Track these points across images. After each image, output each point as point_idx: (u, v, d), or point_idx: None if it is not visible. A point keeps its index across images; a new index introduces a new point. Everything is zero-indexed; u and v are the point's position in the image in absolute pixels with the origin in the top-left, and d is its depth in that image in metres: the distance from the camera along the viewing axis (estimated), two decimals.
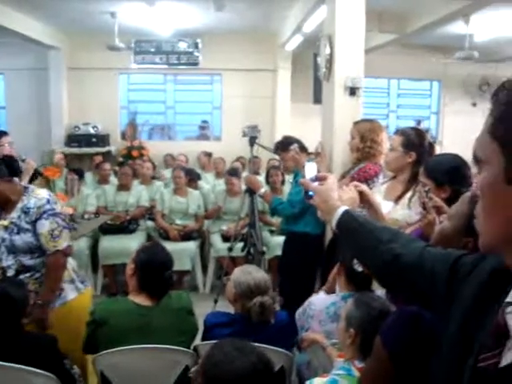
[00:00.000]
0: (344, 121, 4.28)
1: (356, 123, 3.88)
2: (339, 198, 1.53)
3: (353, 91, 4.42)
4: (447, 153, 3.19)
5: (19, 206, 2.95)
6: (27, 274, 2.93)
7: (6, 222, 2.93)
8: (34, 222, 2.92)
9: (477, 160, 0.88)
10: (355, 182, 1.84)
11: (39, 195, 2.99)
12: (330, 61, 4.55)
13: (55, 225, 2.96)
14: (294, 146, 4.18)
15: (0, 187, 2.90)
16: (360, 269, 2.67)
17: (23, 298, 2.58)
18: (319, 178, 1.63)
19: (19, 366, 2.30)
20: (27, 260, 2.93)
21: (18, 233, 2.91)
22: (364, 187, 1.79)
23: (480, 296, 0.96)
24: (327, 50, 4.56)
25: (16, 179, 2.98)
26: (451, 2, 5.90)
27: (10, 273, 2.90)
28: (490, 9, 6.44)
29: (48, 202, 2.98)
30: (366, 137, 3.73)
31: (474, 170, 2.28)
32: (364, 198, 1.74)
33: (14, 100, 9.91)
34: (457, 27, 7.46)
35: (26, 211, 2.92)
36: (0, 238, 2.92)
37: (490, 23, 7.70)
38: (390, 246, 1.30)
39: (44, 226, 2.93)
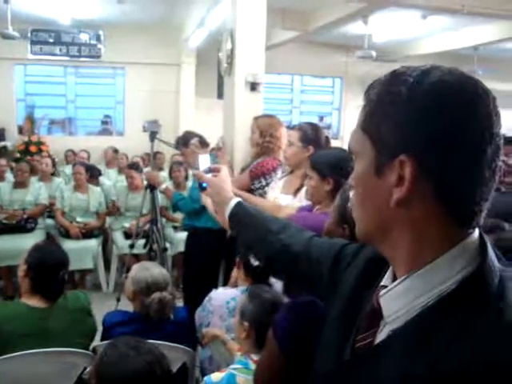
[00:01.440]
0: (245, 116, 4.32)
1: (256, 118, 3.91)
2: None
3: (253, 87, 4.47)
4: (334, 147, 3.29)
5: None
6: None
7: None
8: None
9: (351, 153, 0.92)
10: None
11: None
12: (231, 56, 4.57)
13: None
14: (194, 141, 4.16)
15: None
16: (256, 262, 2.71)
17: None
18: (213, 170, 1.63)
19: None
20: None
21: None
22: None
23: (358, 283, 1.01)
24: (229, 45, 4.58)
25: None
26: (351, 2, 6.09)
27: None
28: (388, 11, 6.73)
29: None
30: (265, 132, 3.77)
31: None
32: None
33: None
34: (357, 27, 7.74)
35: None
36: None
37: (388, 24, 8.04)
38: (279, 237, 1.33)
39: None
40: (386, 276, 0.91)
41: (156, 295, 2.51)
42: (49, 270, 2.49)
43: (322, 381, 0.99)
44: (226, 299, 2.74)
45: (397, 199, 0.80)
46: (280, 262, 1.35)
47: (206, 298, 2.88)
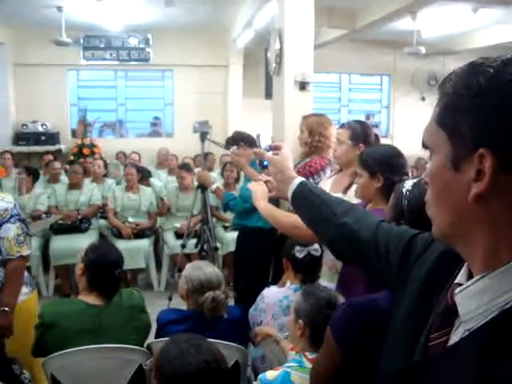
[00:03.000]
0: (294, 115, 4.30)
1: (305, 117, 3.90)
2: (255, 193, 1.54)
3: (302, 86, 4.46)
4: (383, 144, 3.24)
5: None
6: None
7: None
8: None
9: (426, 148, 0.90)
10: (262, 177, 1.93)
11: (5, 198, 2.93)
12: (279, 56, 4.57)
13: (21, 230, 2.91)
14: (233, 149, 4.18)
15: None
16: (301, 255, 2.71)
17: None
18: (274, 148, 1.63)
19: None
20: None
21: None
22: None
23: (429, 278, 0.98)
24: (277, 45, 4.58)
25: None
26: None
27: None
28: (437, 5, 6.59)
29: (15, 206, 2.94)
30: (314, 131, 3.76)
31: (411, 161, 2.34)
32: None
33: None
34: (405, 23, 7.61)
35: None
36: None
37: (437, 19, 7.88)
38: (344, 220, 1.30)
39: (10, 230, 2.87)
40: (460, 273, 0.89)
41: (209, 294, 2.53)
42: (105, 269, 2.55)
43: (392, 380, 0.96)
44: (278, 298, 2.75)
45: (475, 194, 0.78)
46: (344, 246, 1.32)
47: (259, 297, 2.90)
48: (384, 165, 2.32)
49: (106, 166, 7.31)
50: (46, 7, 7.23)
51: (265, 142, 1.65)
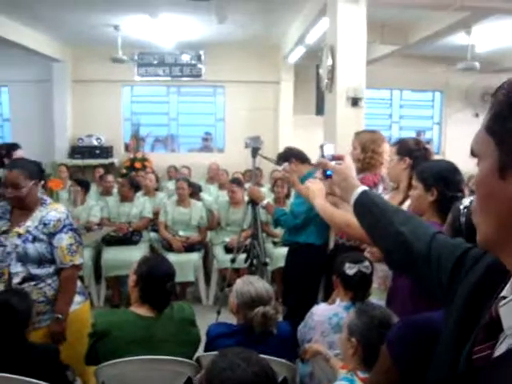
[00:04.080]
0: (346, 131, 4.29)
1: (358, 134, 3.87)
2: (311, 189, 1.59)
3: (355, 102, 4.44)
4: (440, 159, 3.21)
5: (36, 215, 2.97)
6: (32, 283, 2.92)
7: (21, 230, 2.93)
8: (51, 235, 2.95)
9: (474, 156, 0.89)
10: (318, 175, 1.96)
11: (58, 209, 3.04)
12: (332, 72, 4.57)
13: (73, 240, 3.01)
14: (285, 165, 4.19)
15: (36, 191, 2.98)
16: (351, 272, 2.68)
17: (26, 309, 2.58)
18: (337, 158, 1.68)
19: (22, 377, 2.30)
20: (35, 269, 2.93)
21: (32, 242, 2.92)
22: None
23: (476, 291, 0.97)
24: (329, 61, 4.58)
25: (38, 186, 3.01)
26: (452, 13, 5.92)
27: (16, 280, 2.90)
28: (491, 20, 6.46)
29: (67, 216, 3.03)
30: (367, 147, 3.72)
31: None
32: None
33: (18, 112, 9.99)
34: (458, 38, 7.49)
35: (45, 223, 2.95)
36: (13, 244, 2.91)
37: (492, 34, 7.72)
38: (400, 229, 1.32)
39: (63, 239, 2.96)
40: (507, 286, 0.87)
41: (260, 309, 2.53)
42: (157, 282, 2.58)
43: None
44: (328, 315, 2.73)
45: None
46: (399, 256, 1.34)
47: (308, 314, 2.88)
48: (440, 179, 2.32)
49: (157, 179, 7.44)
50: (104, 26, 7.48)
51: (327, 153, 1.70)
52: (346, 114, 4.46)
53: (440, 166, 2.45)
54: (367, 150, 3.72)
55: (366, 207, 1.48)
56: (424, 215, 2.39)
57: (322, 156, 1.73)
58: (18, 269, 2.91)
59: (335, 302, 2.88)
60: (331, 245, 4.22)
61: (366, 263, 2.73)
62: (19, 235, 2.92)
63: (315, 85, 9.24)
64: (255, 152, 4.44)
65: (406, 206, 2.98)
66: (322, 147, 1.76)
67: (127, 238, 5.98)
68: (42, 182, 3.09)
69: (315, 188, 2.44)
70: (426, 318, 1.46)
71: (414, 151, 3.06)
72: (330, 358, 2.50)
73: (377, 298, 2.73)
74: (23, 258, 2.91)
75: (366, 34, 4.61)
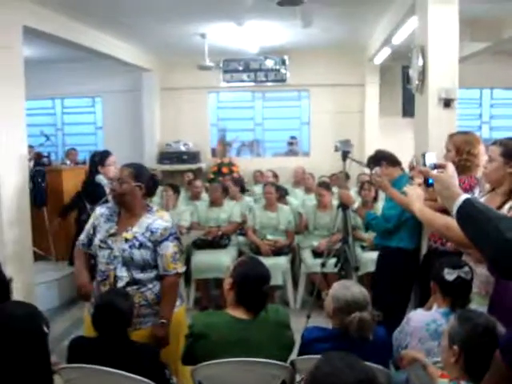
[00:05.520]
0: (439, 133, 4.18)
1: (451, 136, 3.77)
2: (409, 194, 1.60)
3: (447, 103, 4.32)
4: None
5: (142, 221, 3.09)
6: (135, 287, 3.04)
7: (129, 235, 3.06)
8: (157, 242, 3.06)
9: None
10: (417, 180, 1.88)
11: (164, 217, 3.15)
12: (422, 72, 4.46)
13: (177, 248, 3.11)
14: (376, 170, 4.14)
15: (139, 195, 3.10)
16: (451, 278, 2.61)
17: (129, 309, 2.70)
18: (438, 166, 1.70)
19: (124, 372, 2.41)
20: (138, 274, 3.05)
21: (138, 248, 3.03)
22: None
23: None
24: (420, 62, 4.48)
25: (142, 192, 3.14)
26: None
27: (121, 283, 3.03)
28: None
29: (172, 225, 3.15)
30: (462, 149, 3.62)
31: None
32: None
33: (110, 120, 10.47)
34: None
35: (152, 230, 3.06)
36: (120, 248, 3.05)
37: None
38: (505, 236, 1.31)
39: (168, 248, 3.07)
40: None
41: (356, 315, 2.51)
42: (253, 284, 2.60)
43: None
44: (425, 321, 2.67)
45: None
46: (507, 263, 1.32)
47: (404, 320, 2.83)
48: None
49: (242, 184, 7.55)
50: (191, 35, 7.68)
51: (429, 161, 1.72)
52: (437, 116, 4.34)
53: None
54: (462, 152, 3.62)
55: (470, 215, 1.47)
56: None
57: (424, 164, 1.74)
58: (123, 273, 3.04)
59: (432, 308, 2.82)
60: (424, 250, 4.13)
61: (466, 268, 2.65)
62: (126, 240, 3.05)
63: (401, 86, 9.07)
64: (345, 155, 4.42)
65: (505, 209, 2.87)
66: (423, 156, 1.77)
67: (216, 242, 6.11)
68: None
69: (414, 193, 2.45)
70: None
71: None
72: (428, 366, 2.44)
73: (477, 304, 2.65)
74: (128, 263, 3.03)
75: (458, 32, 4.48)
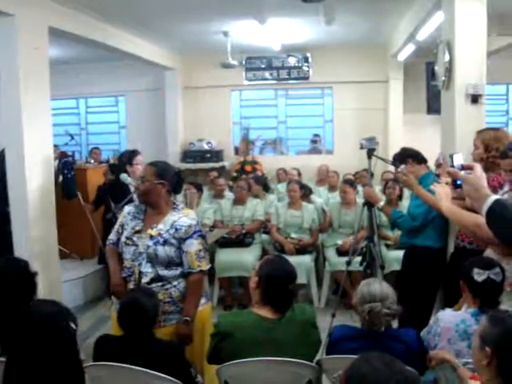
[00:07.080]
0: (466, 130, 4.11)
1: (480, 132, 3.71)
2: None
3: (475, 99, 4.24)
4: None
5: (168, 219, 3.11)
6: (159, 284, 3.05)
7: (153, 232, 3.08)
8: (181, 239, 3.07)
9: None
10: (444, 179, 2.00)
11: (189, 215, 3.17)
12: (449, 68, 4.39)
13: (202, 246, 3.13)
14: (402, 168, 4.10)
15: (163, 193, 3.11)
16: (480, 279, 2.56)
17: (154, 307, 2.71)
18: (466, 168, 1.70)
19: (147, 370, 2.42)
20: (163, 271, 3.07)
21: (162, 244, 3.05)
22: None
23: None
24: (446, 57, 4.41)
25: (165, 189, 3.15)
26: None
27: (145, 280, 3.05)
28: None
29: (197, 223, 3.16)
30: (490, 146, 3.56)
31: None
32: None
33: (133, 119, 10.50)
34: None
35: (177, 228, 3.08)
36: (145, 245, 3.07)
37: None
38: None
39: (193, 245, 3.08)
40: None
41: (367, 306, 2.52)
42: (279, 283, 2.60)
43: None
44: (455, 321, 2.62)
45: None
46: None
47: (433, 320, 2.79)
48: None
49: (265, 182, 7.54)
50: (214, 33, 7.67)
51: (457, 163, 1.70)
52: (465, 112, 4.26)
53: None
54: (491, 148, 3.56)
55: (501, 215, 1.48)
56: None
57: (452, 166, 1.72)
58: (147, 269, 3.05)
59: (462, 308, 2.77)
60: (451, 248, 4.06)
61: (497, 269, 2.59)
62: (151, 237, 3.06)
63: (425, 82, 8.94)
64: (371, 153, 4.38)
65: None
66: (451, 157, 1.75)
67: (240, 240, 6.11)
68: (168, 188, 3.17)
69: (442, 191, 2.43)
70: None
71: None
72: (458, 367, 2.40)
73: (507, 302, 2.60)
74: (153, 260, 3.05)
75: (485, 27, 4.40)
